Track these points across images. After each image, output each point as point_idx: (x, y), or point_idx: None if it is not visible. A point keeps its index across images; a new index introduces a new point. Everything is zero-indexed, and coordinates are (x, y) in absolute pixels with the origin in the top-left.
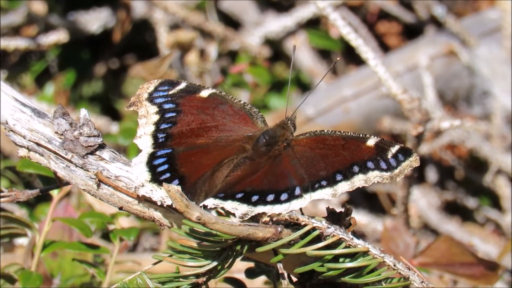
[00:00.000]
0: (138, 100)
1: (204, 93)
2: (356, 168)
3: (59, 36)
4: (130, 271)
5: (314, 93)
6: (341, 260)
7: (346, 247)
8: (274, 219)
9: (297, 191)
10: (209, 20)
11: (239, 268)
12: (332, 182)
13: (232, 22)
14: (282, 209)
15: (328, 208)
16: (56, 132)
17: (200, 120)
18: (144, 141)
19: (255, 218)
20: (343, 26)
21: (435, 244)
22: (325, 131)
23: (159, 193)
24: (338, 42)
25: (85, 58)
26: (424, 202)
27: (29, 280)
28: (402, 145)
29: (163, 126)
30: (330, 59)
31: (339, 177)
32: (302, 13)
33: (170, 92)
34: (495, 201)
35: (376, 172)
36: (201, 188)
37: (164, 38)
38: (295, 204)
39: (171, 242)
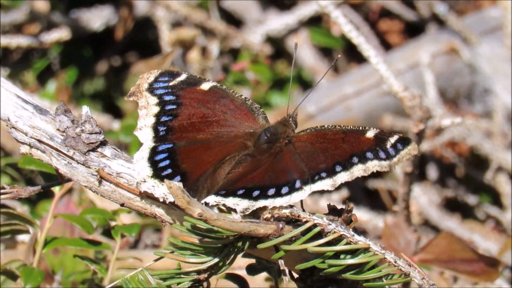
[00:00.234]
0: (138, 90)
1: (205, 86)
2: (355, 159)
3: (61, 33)
4: (131, 267)
5: (315, 91)
6: (342, 256)
7: (347, 243)
8: (276, 215)
9: (298, 184)
10: (211, 18)
11: (240, 264)
12: (331, 173)
13: (234, 20)
14: (283, 202)
15: (329, 205)
16: (58, 129)
17: (201, 114)
18: (145, 134)
19: (256, 214)
20: (345, 24)
21: (436, 240)
22: (326, 126)
23: (161, 190)
24: (340, 40)
25: (87, 55)
26: (425, 199)
27: (31, 277)
28: (401, 134)
29: (164, 118)
30: (332, 57)
31: (338, 168)
32: (304, 11)
33: (171, 84)
34: (495, 198)
35: (375, 162)
36: (203, 185)
37: (166, 36)
38: (296, 197)
39: (172, 239)
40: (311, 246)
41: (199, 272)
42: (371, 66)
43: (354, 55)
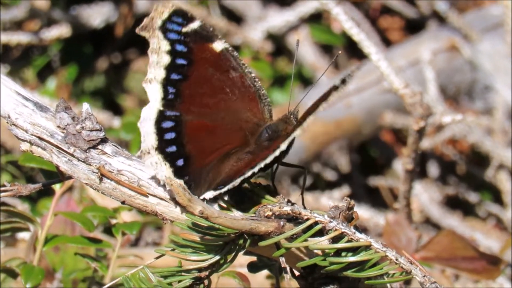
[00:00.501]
0: (151, 25)
1: (218, 45)
2: None
3: (62, 30)
4: (132, 265)
5: (316, 88)
6: (343, 254)
7: (348, 241)
8: (277, 213)
9: None
10: (211, 15)
11: (241, 262)
12: None
13: (234, 17)
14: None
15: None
16: (59, 126)
17: (210, 85)
18: (154, 90)
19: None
20: (346, 21)
21: (437, 238)
22: None
23: (163, 171)
24: (341, 37)
25: (88, 52)
26: (426, 196)
27: (31, 275)
28: None
29: (174, 76)
30: (332, 53)
31: None
32: (305, 8)
33: (184, 30)
34: (496, 196)
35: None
36: (205, 179)
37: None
38: None
39: (173, 236)
40: (312, 244)
41: (200, 269)
42: (372, 63)
43: (355, 52)
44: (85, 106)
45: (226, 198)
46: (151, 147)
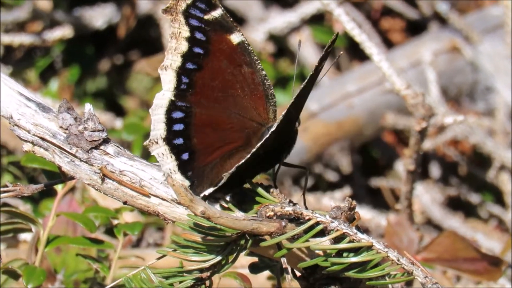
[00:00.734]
0: (175, 8)
1: (235, 38)
2: None
3: (64, 32)
4: (133, 266)
5: (318, 89)
6: (345, 254)
7: (350, 241)
8: (278, 213)
9: None
10: None
11: (242, 263)
12: None
13: (236, 18)
14: None
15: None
16: (61, 127)
17: (222, 79)
18: (168, 78)
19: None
20: (347, 22)
21: (439, 239)
22: None
23: (168, 163)
24: (342, 38)
25: (90, 53)
26: (427, 197)
27: (33, 276)
28: None
29: (189, 65)
30: (334, 55)
31: None
32: (306, 9)
33: (206, 17)
34: (498, 197)
35: None
36: (208, 176)
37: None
38: None
39: (175, 237)
40: (314, 244)
41: (201, 270)
42: (374, 64)
43: (356, 53)
44: (88, 107)
45: (227, 198)
46: (160, 137)
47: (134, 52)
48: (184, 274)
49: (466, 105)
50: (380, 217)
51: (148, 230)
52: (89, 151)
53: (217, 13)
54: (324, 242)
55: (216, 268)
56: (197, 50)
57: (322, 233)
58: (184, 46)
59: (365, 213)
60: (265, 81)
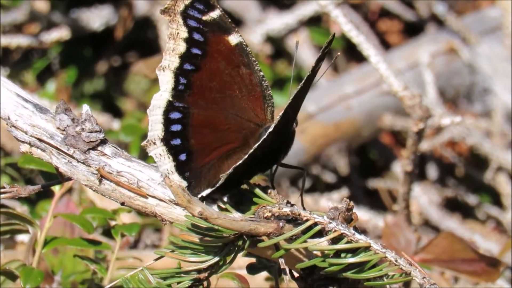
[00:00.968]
0: (173, 9)
1: (233, 39)
2: None
3: (61, 33)
4: (131, 267)
5: (315, 90)
6: (342, 255)
7: (347, 242)
8: (276, 214)
9: None
10: None
11: (240, 264)
12: None
13: (233, 20)
14: None
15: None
16: (58, 128)
17: (220, 80)
18: (166, 78)
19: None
20: (345, 23)
21: (437, 240)
22: None
23: (166, 164)
24: (339, 39)
25: (87, 55)
26: (425, 199)
27: (30, 277)
28: None
29: (187, 66)
30: (332, 56)
31: None
32: (304, 10)
33: (204, 18)
34: (495, 198)
35: None
36: (206, 177)
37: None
38: None
39: (172, 238)
40: (312, 245)
41: (199, 271)
42: (371, 65)
43: (354, 55)
44: (85, 108)
45: (225, 199)
46: (157, 138)
47: (132, 53)
48: (182, 275)
49: (463, 106)
50: (378, 218)
51: (146, 231)
52: (87, 152)
53: (215, 14)
54: (322, 243)
55: (214, 269)
56: (195, 51)
57: (320, 234)
58: (182, 47)
59: (362, 214)
60: (263, 82)
